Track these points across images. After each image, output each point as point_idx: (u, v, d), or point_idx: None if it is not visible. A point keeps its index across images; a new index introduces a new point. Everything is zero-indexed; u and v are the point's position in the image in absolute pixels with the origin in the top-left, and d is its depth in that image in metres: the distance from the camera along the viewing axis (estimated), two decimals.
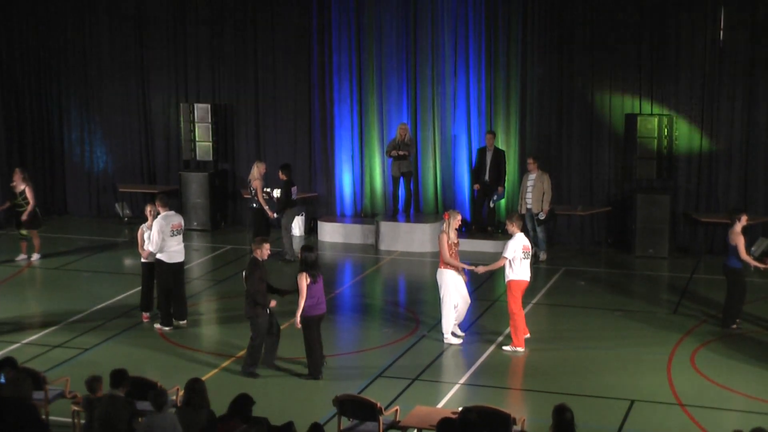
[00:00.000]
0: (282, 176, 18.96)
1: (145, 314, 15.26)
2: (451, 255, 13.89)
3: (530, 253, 13.99)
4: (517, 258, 13.67)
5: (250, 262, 13.09)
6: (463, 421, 8.97)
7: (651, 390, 12.38)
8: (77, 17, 23.04)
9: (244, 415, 9.14)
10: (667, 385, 12.59)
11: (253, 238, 16.05)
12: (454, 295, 14.03)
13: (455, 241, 14.06)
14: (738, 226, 14.56)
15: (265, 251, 13.02)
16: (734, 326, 14.72)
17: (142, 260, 15.08)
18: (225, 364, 13.37)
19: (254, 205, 18.92)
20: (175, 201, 21.67)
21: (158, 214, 14.79)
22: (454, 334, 14.23)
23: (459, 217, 14.27)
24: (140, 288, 15.38)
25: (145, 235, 14.89)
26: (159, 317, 15.02)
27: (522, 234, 13.87)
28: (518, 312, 13.77)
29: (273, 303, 13.00)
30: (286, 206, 18.90)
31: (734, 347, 13.96)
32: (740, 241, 14.45)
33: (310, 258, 12.74)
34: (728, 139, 19.33)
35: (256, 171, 18.90)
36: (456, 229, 14.09)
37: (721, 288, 15.63)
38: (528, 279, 13.92)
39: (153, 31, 22.62)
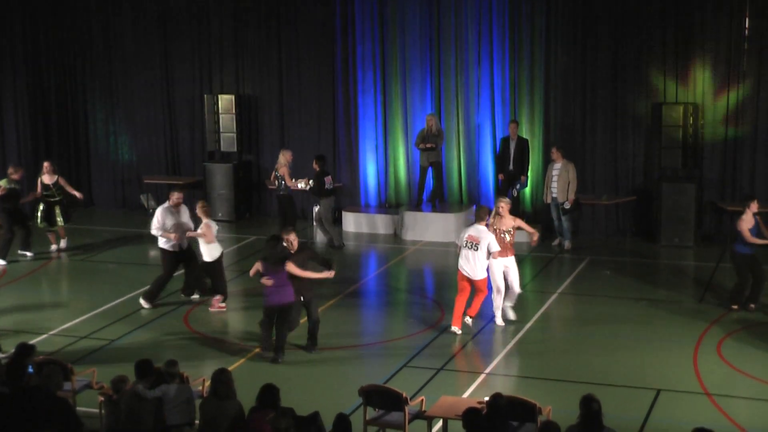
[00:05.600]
0: (315, 166, 19.10)
1: (217, 298, 15.52)
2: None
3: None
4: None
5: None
6: (492, 405, 8.96)
7: (677, 379, 12.33)
8: (101, 10, 23.14)
9: (275, 406, 9.17)
10: (694, 374, 12.54)
11: (281, 226, 16.30)
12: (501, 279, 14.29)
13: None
14: (747, 213, 14.58)
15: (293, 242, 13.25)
16: (752, 306, 14.88)
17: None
18: (251, 354, 13.40)
19: (282, 192, 19.03)
20: (200, 192, 21.83)
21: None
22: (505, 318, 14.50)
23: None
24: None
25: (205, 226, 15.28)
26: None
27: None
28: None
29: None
30: (320, 195, 19.03)
31: (761, 337, 13.87)
32: (743, 226, 14.51)
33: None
34: (753, 128, 19.19)
35: (283, 158, 19.04)
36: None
37: None
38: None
39: (177, 23, 22.70)
